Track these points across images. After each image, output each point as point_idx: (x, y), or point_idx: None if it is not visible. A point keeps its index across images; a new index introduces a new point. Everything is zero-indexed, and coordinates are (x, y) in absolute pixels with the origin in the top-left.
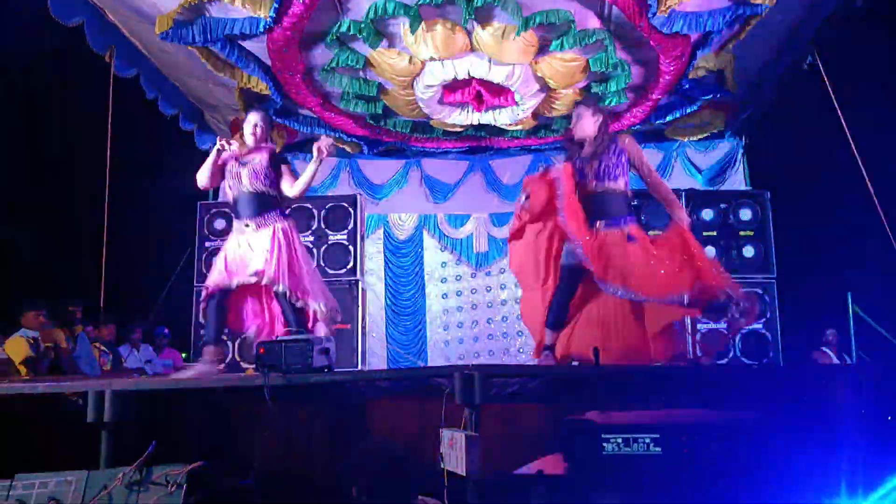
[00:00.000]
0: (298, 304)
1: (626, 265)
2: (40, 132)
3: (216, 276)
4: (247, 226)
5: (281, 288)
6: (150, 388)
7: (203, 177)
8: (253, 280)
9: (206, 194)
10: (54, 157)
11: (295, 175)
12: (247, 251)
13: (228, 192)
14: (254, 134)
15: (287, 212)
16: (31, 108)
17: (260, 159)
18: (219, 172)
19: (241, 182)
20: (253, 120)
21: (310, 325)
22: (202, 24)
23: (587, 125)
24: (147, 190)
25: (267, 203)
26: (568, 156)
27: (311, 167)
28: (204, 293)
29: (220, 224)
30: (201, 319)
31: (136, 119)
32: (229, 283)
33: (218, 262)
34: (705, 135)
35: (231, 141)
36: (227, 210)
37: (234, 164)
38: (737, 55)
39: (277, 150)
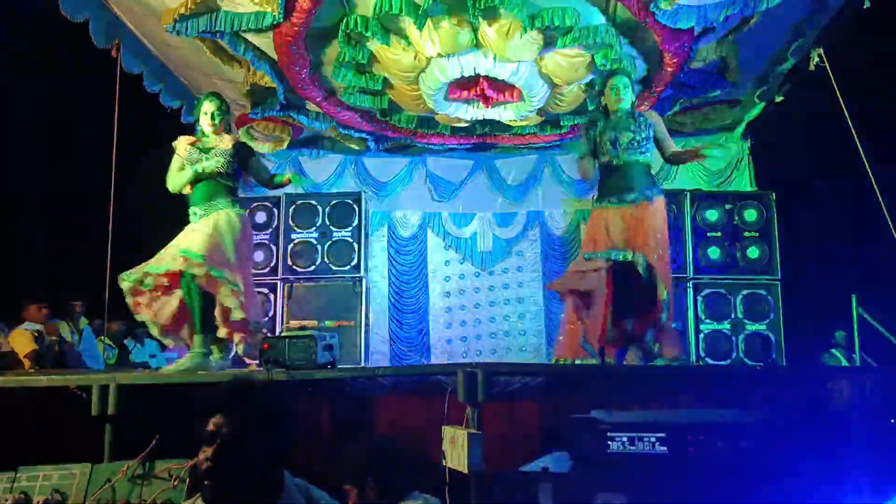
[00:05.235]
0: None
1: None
2: (45, 125)
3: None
4: (195, 214)
5: (204, 271)
6: (154, 381)
7: (175, 183)
8: (180, 263)
9: None
10: (61, 151)
11: (269, 171)
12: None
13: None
14: (209, 123)
15: (251, 205)
16: (34, 101)
17: (223, 147)
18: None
19: (200, 169)
20: (208, 109)
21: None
22: (209, 17)
23: (629, 96)
24: (153, 183)
25: (219, 190)
26: (589, 126)
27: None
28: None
29: None
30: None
31: (143, 113)
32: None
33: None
34: (712, 126)
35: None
36: None
37: (193, 151)
38: (741, 51)
39: (284, 146)
